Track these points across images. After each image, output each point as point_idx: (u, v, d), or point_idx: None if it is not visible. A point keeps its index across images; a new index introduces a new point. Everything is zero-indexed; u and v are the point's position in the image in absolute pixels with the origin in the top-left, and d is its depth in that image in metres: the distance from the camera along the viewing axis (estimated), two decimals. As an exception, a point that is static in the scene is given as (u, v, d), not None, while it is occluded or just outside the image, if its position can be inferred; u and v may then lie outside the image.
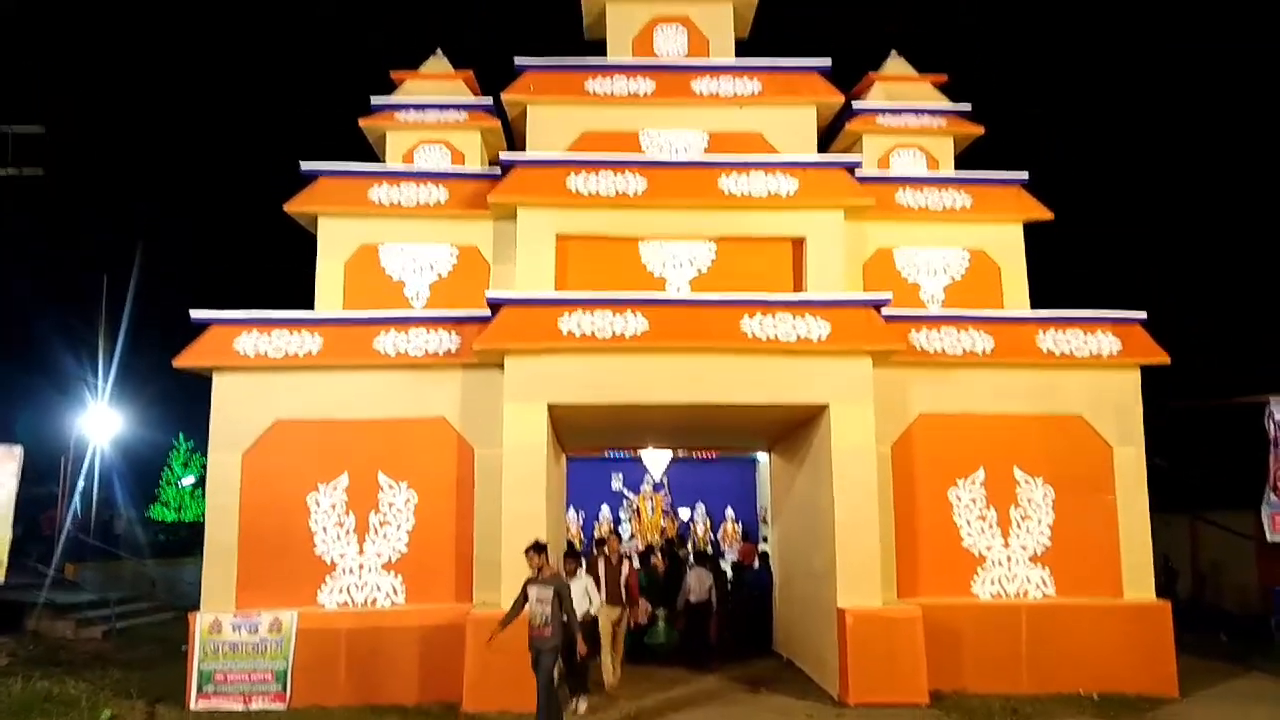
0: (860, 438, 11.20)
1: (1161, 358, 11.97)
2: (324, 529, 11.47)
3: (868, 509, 11.05)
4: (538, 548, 9.22)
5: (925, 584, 11.56)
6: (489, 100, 14.03)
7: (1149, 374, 12.11)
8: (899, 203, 13.10)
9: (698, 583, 13.08)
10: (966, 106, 14.23)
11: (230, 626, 10.95)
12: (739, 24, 14.59)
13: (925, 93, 14.47)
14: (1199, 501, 18.35)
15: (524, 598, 9.12)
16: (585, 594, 10.62)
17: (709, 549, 18.02)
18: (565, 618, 9.04)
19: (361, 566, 11.42)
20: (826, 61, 13.73)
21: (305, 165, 13.06)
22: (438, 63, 14.60)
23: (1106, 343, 12.00)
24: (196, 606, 11.36)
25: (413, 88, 14.28)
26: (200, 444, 27.48)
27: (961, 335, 12.02)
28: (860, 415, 11.24)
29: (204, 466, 15.65)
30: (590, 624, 10.78)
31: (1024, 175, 13.28)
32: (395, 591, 11.38)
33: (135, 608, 17.68)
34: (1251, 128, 30.21)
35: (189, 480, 33.84)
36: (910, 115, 14.16)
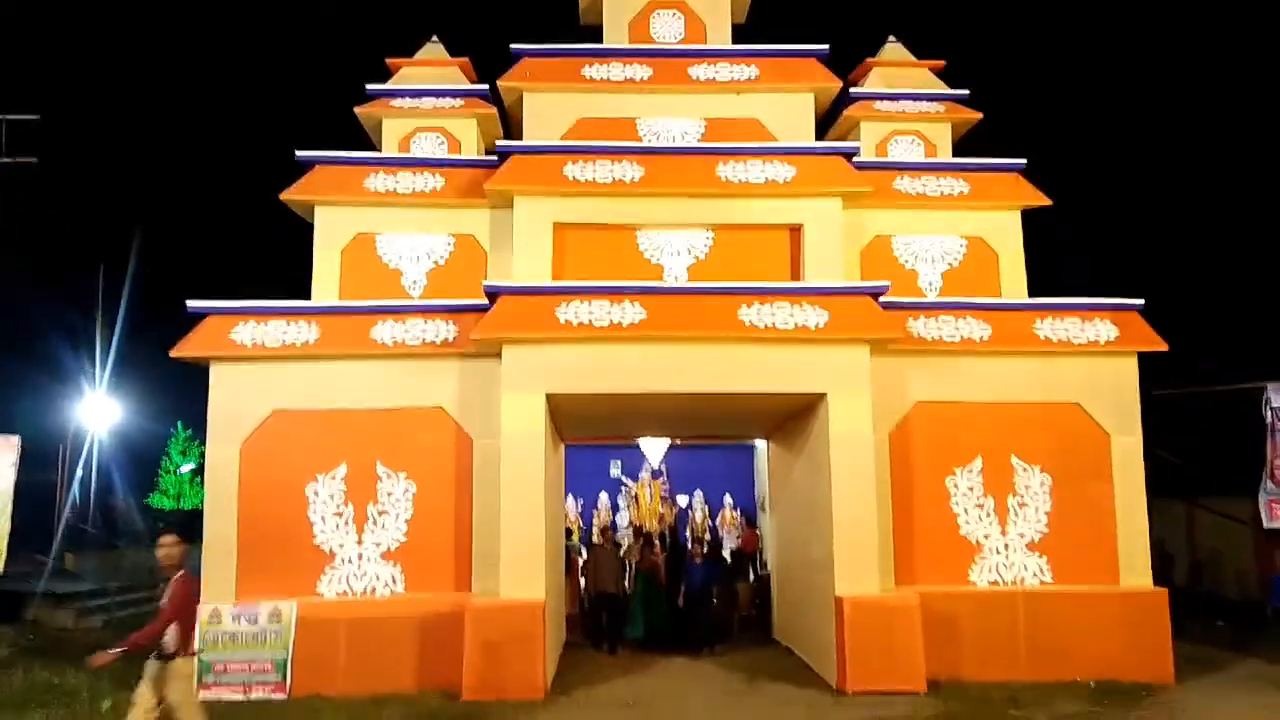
0: (858, 426, 11.19)
1: (1159, 344, 11.94)
2: (322, 519, 11.47)
3: (865, 497, 11.05)
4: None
5: (923, 572, 11.57)
6: (485, 87, 13.93)
7: (1146, 360, 12.10)
8: (896, 189, 13.04)
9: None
10: (964, 93, 14.15)
11: (230, 617, 10.97)
12: (736, 9, 14.50)
13: (923, 79, 14.39)
14: (1195, 487, 18.37)
15: None
16: None
17: (707, 535, 18.04)
18: None
19: (360, 556, 11.43)
20: (824, 47, 13.64)
21: (300, 154, 12.98)
22: (434, 49, 14.50)
23: (1104, 330, 11.97)
24: (196, 596, 11.36)
25: (409, 75, 14.18)
26: (198, 432, 27.56)
27: (959, 323, 11.98)
28: (858, 404, 11.22)
29: (202, 455, 15.68)
30: None
31: (1022, 162, 13.23)
32: (394, 581, 11.40)
33: (135, 597, 17.64)
34: (1252, 113, 30.14)
35: (187, 468, 33.87)
36: (908, 101, 14.08)
